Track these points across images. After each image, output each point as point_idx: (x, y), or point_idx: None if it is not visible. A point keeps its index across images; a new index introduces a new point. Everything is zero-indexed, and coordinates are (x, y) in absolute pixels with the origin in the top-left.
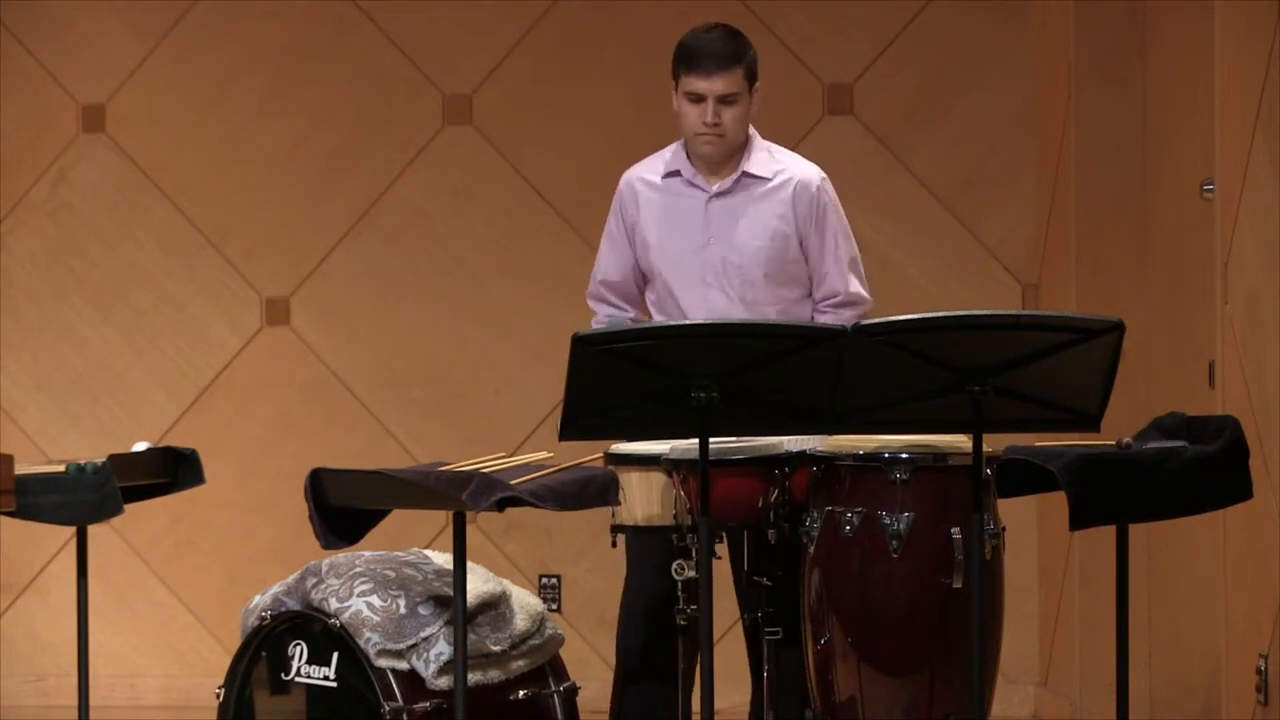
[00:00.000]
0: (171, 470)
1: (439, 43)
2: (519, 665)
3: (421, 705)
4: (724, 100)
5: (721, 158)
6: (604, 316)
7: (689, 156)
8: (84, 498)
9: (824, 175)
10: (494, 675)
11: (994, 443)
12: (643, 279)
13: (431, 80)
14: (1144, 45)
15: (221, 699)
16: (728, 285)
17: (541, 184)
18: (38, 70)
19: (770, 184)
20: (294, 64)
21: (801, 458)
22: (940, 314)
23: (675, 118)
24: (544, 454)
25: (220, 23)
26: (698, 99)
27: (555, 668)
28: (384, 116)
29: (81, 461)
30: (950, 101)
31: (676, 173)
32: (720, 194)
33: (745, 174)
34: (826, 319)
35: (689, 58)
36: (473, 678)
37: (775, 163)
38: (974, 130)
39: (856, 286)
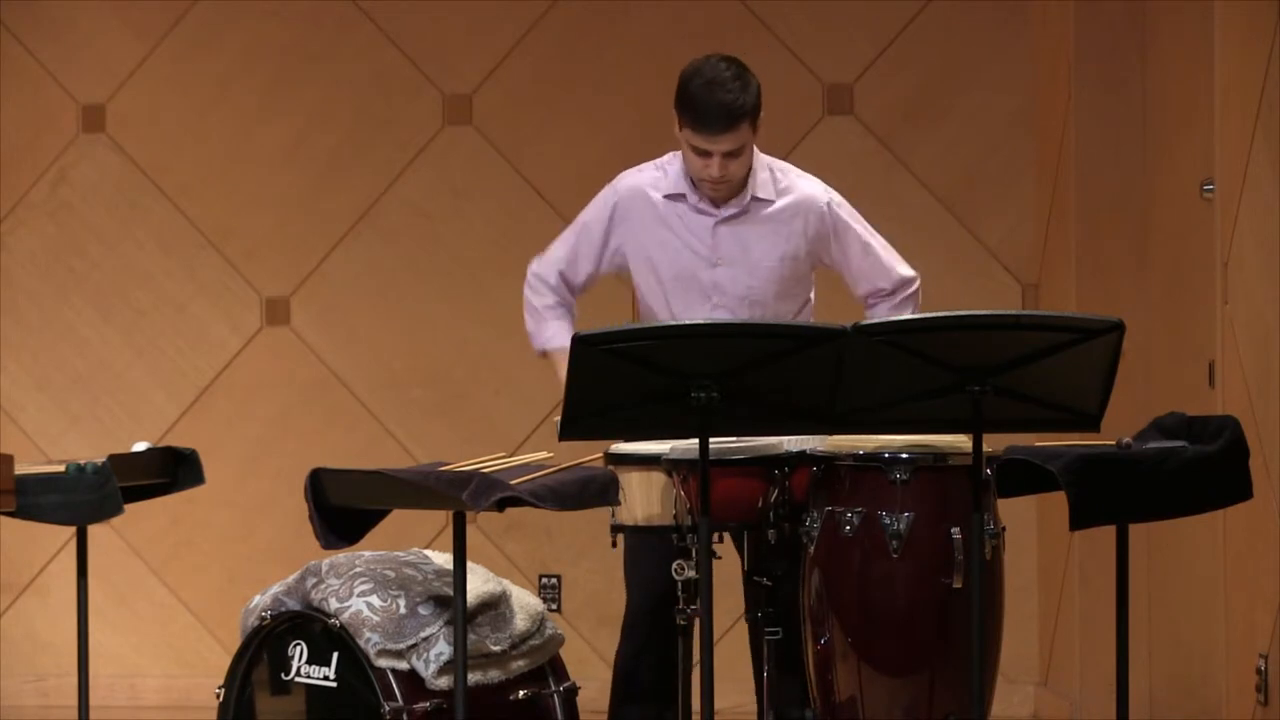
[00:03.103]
0: (171, 470)
1: (439, 43)
2: (519, 665)
3: (421, 705)
4: (730, 154)
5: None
6: (553, 304)
7: (693, 182)
8: (84, 498)
9: (828, 189)
10: (494, 675)
11: (994, 443)
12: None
13: (431, 80)
14: (1144, 45)
15: (221, 699)
16: (736, 305)
17: (541, 184)
18: (38, 70)
19: (776, 205)
20: (294, 64)
21: (801, 458)
22: (940, 314)
23: (678, 141)
24: (544, 454)
25: (220, 23)
26: (703, 153)
27: (555, 668)
28: (384, 116)
29: (81, 461)
30: (950, 101)
31: (681, 196)
32: (729, 219)
33: (754, 198)
34: (881, 310)
35: (694, 114)
36: (473, 678)
37: (778, 183)
38: (974, 130)
39: (900, 270)
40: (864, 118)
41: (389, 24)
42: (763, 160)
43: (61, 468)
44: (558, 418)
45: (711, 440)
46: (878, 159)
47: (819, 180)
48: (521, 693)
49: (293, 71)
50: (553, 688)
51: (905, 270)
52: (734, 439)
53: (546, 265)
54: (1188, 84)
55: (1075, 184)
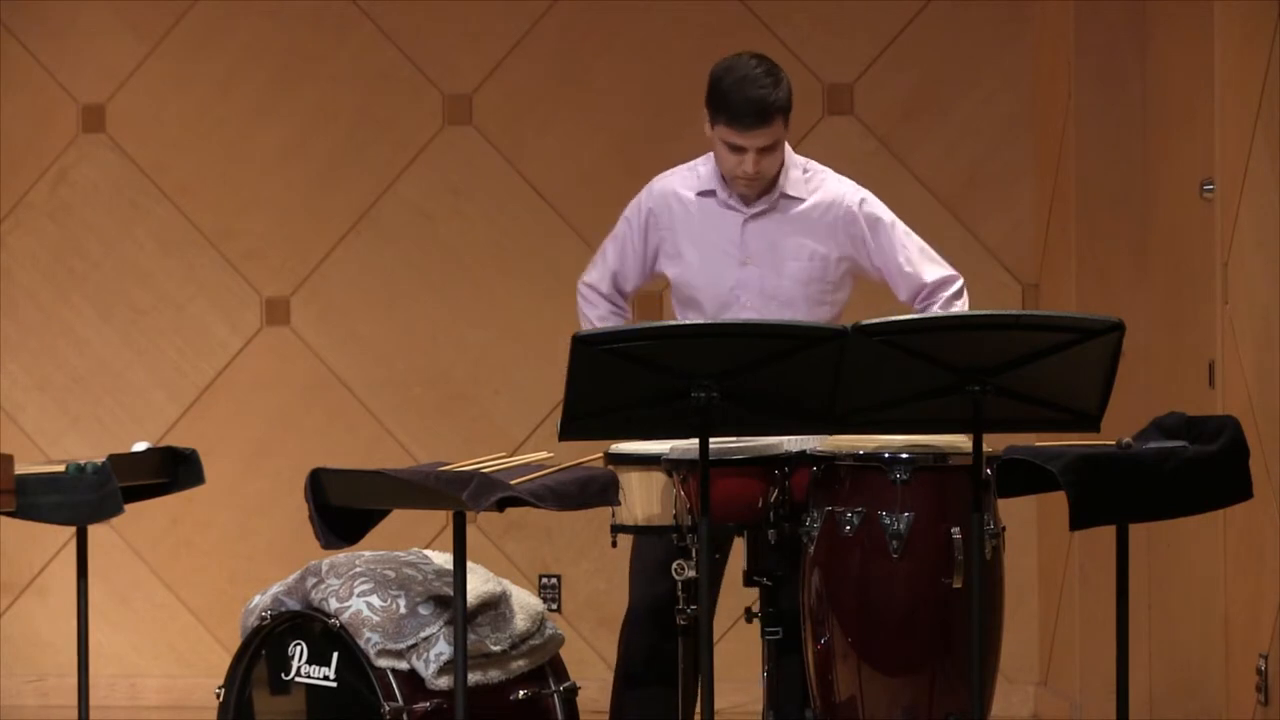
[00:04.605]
0: (171, 470)
1: (439, 43)
2: (519, 665)
3: (421, 705)
4: (764, 150)
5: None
6: (607, 314)
7: (724, 179)
8: (84, 498)
9: (859, 189)
10: (494, 675)
11: (994, 443)
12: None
13: (431, 80)
14: (1144, 45)
15: (221, 699)
16: (764, 305)
17: (541, 184)
18: (38, 70)
19: (806, 204)
20: (294, 64)
21: (801, 458)
22: (940, 314)
23: (709, 142)
24: (544, 454)
25: (220, 23)
26: (737, 149)
27: (555, 668)
28: (384, 116)
29: (81, 461)
30: (950, 101)
31: (712, 192)
32: (757, 215)
33: (783, 195)
34: (937, 309)
35: (727, 111)
36: (473, 678)
37: (810, 182)
38: (974, 130)
39: (939, 271)
40: (864, 118)
41: (389, 24)
42: (796, 159)
43: (61, 468)
44: (558, 418)
45: (711, 440)
46: (878, 159)
47: (852, 181)
48: (521, 693)
49: (293, 71)
50: (553, 688)
51: (946, 270)
52: (734, 439)
53: (596, 275)
54: (1188, 84)
55: (1075, 184)
